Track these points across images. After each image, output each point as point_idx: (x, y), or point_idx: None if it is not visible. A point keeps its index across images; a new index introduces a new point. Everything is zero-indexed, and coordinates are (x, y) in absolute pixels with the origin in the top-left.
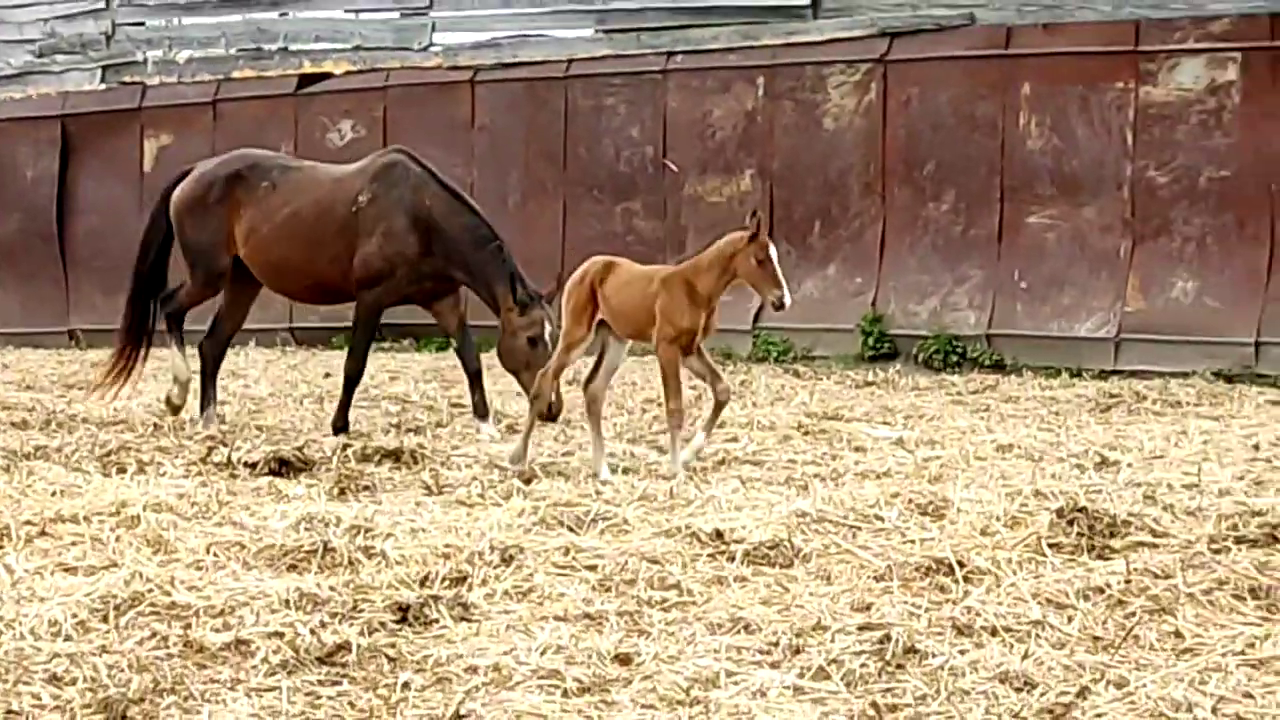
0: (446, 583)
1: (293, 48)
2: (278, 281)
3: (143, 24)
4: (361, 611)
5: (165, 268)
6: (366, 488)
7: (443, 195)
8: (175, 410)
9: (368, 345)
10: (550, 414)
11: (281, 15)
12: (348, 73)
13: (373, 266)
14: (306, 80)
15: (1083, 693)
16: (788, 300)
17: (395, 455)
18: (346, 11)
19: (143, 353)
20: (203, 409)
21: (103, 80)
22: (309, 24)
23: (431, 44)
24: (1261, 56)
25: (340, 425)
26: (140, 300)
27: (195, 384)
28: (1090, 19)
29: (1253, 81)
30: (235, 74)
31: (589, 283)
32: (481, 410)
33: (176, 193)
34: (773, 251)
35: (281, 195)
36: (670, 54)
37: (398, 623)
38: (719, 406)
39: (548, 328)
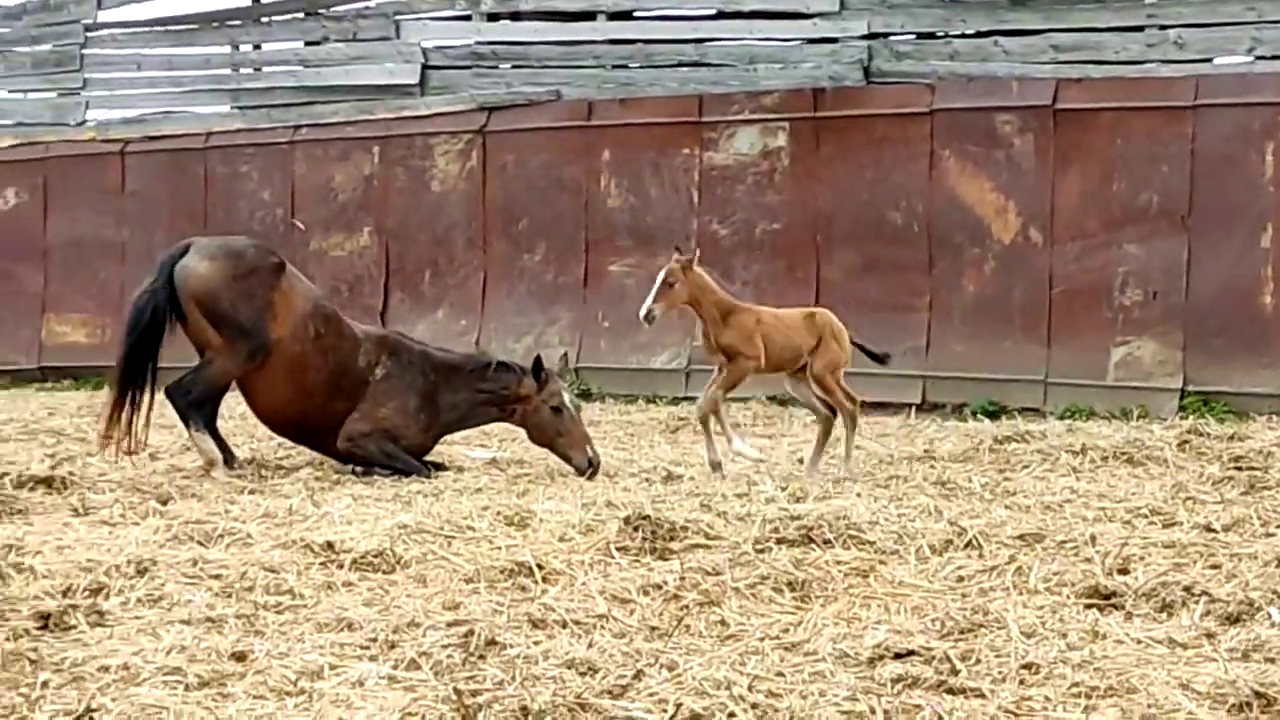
0: (86, 593)
1: None
2: None
3: None
4: (9, 619)
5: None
6: (20, 511)
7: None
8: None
9: None
10: None
11: None
12: (11, 145)
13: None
14: None
15: (638, 675)
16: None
17: (48, 482)
18: (10, 92)
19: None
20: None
21: None
22: None
23: (85, 120)
24: (805, 125)
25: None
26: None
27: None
28: (660, 94)
29: (799, 146)
30: None
31: None
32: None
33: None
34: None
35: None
36: (297, 127)
37: (40, 629)
38: None
39: (565, 395)
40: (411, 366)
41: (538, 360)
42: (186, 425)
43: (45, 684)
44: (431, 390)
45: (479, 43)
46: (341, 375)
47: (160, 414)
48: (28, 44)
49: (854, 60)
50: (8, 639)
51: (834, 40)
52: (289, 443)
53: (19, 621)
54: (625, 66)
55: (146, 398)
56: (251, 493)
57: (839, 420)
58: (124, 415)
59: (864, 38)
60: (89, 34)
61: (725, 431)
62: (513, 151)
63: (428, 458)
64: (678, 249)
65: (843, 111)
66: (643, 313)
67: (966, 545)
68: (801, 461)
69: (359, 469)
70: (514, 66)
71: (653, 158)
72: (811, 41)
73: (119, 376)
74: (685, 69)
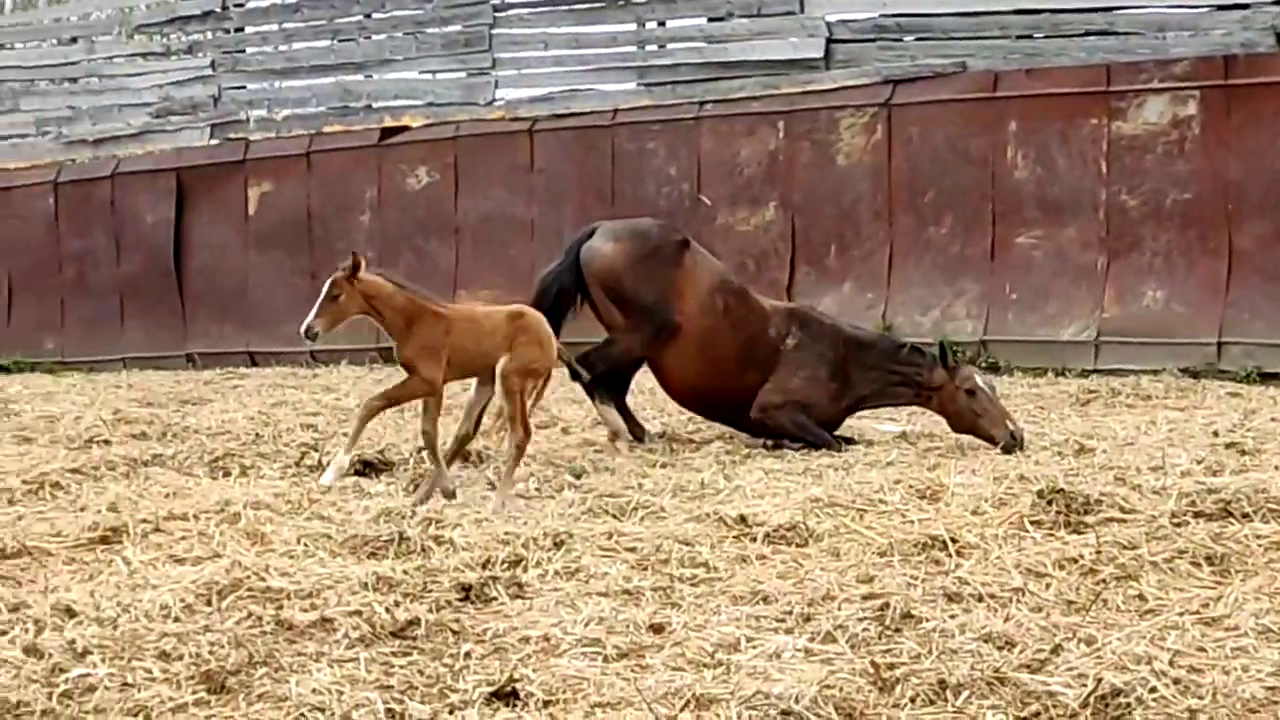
0: (505, 565)
1: (375, 105)
2: None
3: (245, 87)
4: (430, 591)
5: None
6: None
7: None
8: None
9: None
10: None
11: (366, 77)
12: (423, 125)
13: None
14: (387, 133)
15: (1056, 649)
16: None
17: (464, 456)
18: (421, 73)
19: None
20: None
21: (211, 137)
22: (389, 84)
23: (495, 99)
24: (1216, 93)
25: None
26: None
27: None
28: (1066, 64)
29: (1210, 114)
30: (326, 129)
31: None
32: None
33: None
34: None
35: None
36: (702, 103)
37: (461, 600)
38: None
39: (977, 376)
40: (822, 338)
41: (942, 346)
42: (592, 399)
43: (468, 654)
44: (843, 363)
45: (883, 15)
46: (752, 347)
47: (572, 390)
48: (437, 25)
49: (1265, 26)
50: (430, 610)
51: (1245, 6)
52: (699, 417)
53: (440, 593)
54: (1030, 37)
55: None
56: (663, 466)
57: (477, 443)
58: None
59: (1276, 2)
60: (497, 14)
61: (354, 440)
62: (918, 124)
63: (837, 432)
64: (357, 255)
65: (1255, 79)
66: (302, 329)
67: None
68: (1217, 435)
69: (769, 442)
70: (918, 39)
71: (1060, 128)
72: (1221, 8)
73: None
74: (1093, 38)
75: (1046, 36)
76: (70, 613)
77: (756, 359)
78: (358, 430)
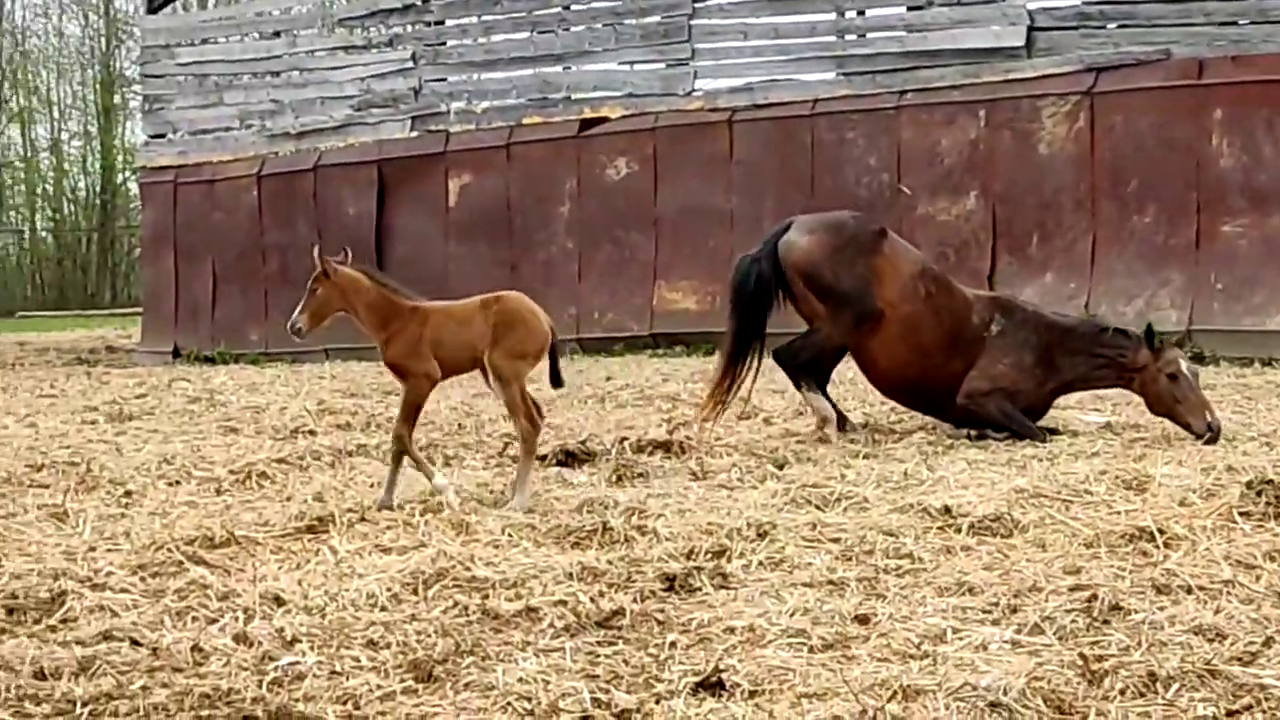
0: (708, 555)
1: (574, 96)
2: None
3: (445, 80)
4: (634, 582)
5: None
6: (640, 475)
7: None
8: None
9: None
10: None
11: (565, 69)
12: (622, 116)
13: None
14: (586, 124)
15: (1268, 642)
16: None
17: (665, 447)
18: (620, 64)
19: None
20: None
21: (412, 129)
22: (588, 76)
23: (693, 90)
24: None
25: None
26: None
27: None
28: (1274, 50)
29: None
30: (525, 120)
31: None
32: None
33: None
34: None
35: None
36: (902, 93)
37: (666, 591)
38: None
39: (1182, 362)
40: (1026, 324)
41: (1149, 328)
42: (798, 387)
43: (673, 645)
44: (1046, 348)
45: (1086, 3)
46: (956, 334)
47: (772, 380)
48: (636, 16)
49: None
50: (635, 600)
51: None
52: (900, 407)
53: (645, 583)
54: (1236, 23)
55: (754, 364)
56: (866, 457)
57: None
58: (731, 381)
59: None
60: (696, 5)
61: (421, 466)
62: (1121, 112)
63: (1040, 422)
64: (320, 254)
65: None
66: (289, 326)
67: None
68: None
69: (972, 433)
70: (1121, 26)
71: (1267, 115)
72: None
73: (728, 344)
74: None
75: (1253, 23)
76: (279, 601)
77: (960, 346)
78: (412, 462)
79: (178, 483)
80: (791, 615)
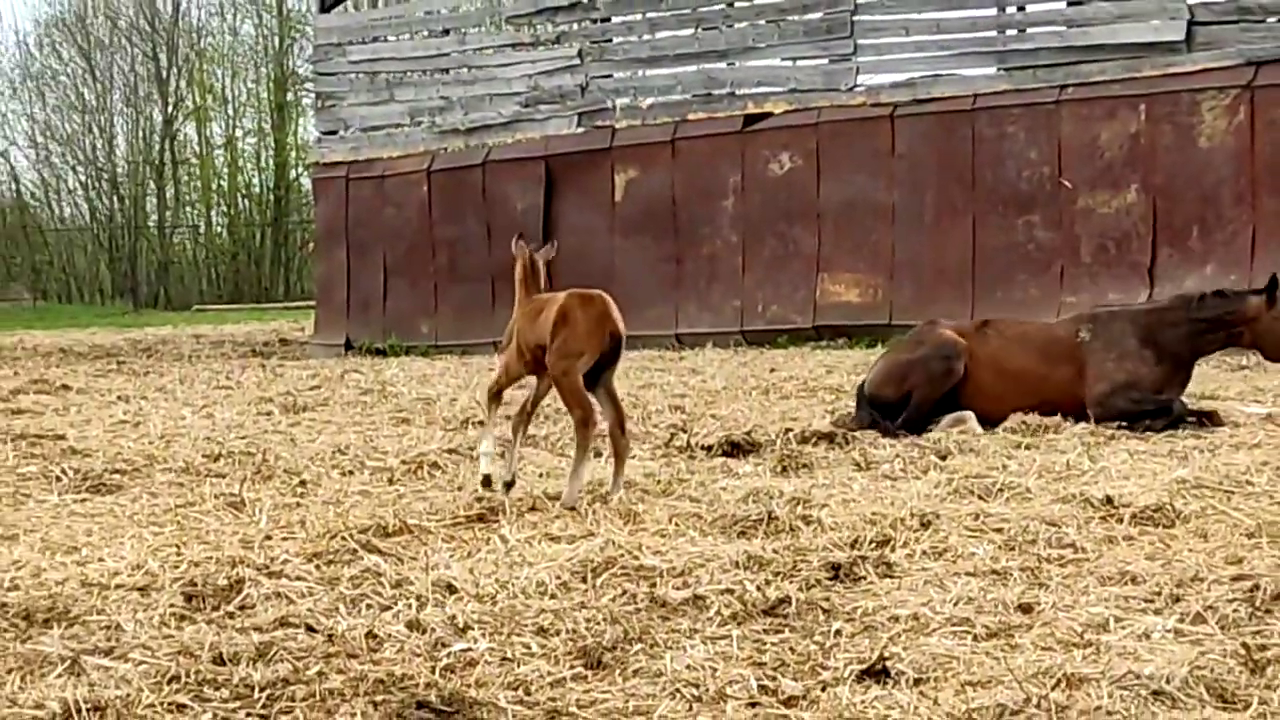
0: (873, 545)
1: (738, 92)
2: None
3: (611, 76)
4: (800, 570)
5: None
6: (805, 465)
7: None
8: None
9: None
10: None
11: (729, 65)
12: (785, 112)
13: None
14: (750, 119)
15: None
16: None
17: (829, 438)
18: (784, 59)
19: None
20: None
21: (579, 125)
22: (752, 71)
23: (856, 85)
24: None
25: None
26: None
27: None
28: None
29: None
30: (690, 116)
31: None
32: None
33: None
34: None
35: None
36: (1062, 87)
37: (831, 579)
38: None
39: None
40: (1114, 321)
41: (1274, 279)
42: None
43: (838, 633)
44: (1146, 332)
45: None
46: (1048, 346)
47: None
48: (799, 12)
49: None
50: (800, 589)
51: None
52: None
53: (810, 572)
54: None
55: None
56: (1028, 448)
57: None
58: None
59: None
60: (859, 1)
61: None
62: None
63: (1195, 407)
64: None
65: None
66: None
67: None
68: None
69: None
70: None
71: None
72: None
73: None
74: None
75: None
76: (450, 589)
77: (1055, 355)
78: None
79: (351, 472)
80: (955, 604)
